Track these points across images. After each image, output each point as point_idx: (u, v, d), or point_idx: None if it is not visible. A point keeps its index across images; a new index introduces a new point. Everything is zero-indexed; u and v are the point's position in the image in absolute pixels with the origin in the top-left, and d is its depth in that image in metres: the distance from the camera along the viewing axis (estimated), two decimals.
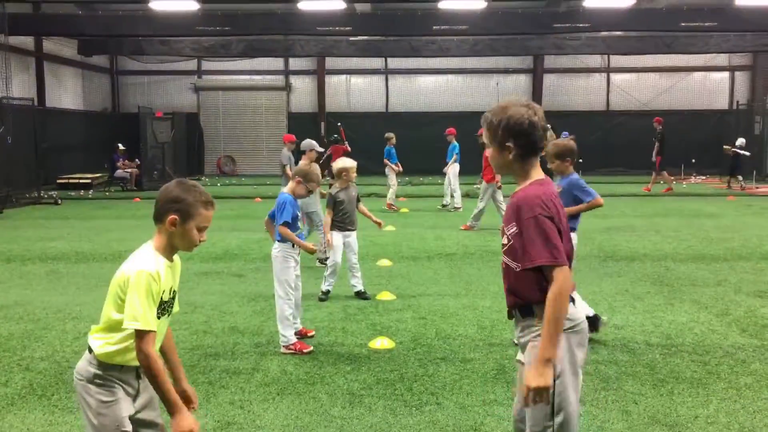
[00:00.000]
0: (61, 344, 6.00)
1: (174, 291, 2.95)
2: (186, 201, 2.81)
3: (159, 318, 2.85)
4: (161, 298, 2.81)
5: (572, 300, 2.80)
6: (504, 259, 2.86)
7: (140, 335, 2.68)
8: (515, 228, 2.75)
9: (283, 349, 5.71)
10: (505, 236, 2.84)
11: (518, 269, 2.76)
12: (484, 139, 2.88)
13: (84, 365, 2.84)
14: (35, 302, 7.51)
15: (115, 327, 2.77)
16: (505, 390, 4.85)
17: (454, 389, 4.90)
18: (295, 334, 5.99)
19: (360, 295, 7.63)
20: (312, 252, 6.07)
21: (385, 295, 7.64)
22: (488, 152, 2.87)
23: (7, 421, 4.40)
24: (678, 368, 5.29)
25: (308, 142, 9.58)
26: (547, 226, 2.65)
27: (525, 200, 2.72)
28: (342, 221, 7.49)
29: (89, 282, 8.56)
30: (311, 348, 5.74)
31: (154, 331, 2.71)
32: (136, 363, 2.81)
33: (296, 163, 9.79)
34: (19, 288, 8.29)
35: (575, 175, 6.01)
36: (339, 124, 18.61)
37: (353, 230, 7.59)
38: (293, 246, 5.84)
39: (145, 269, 2.74)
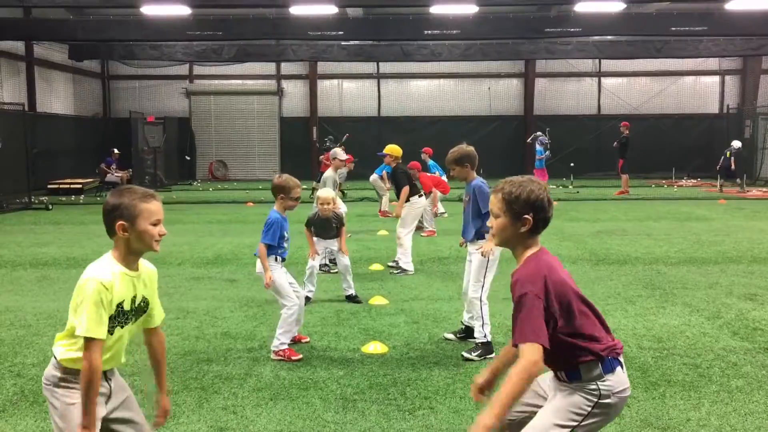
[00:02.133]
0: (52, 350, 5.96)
1: (143, 299, 2.93)
2: (123, 204, 2.81)
3: (122, 327, 2.85)
4: (121, 308, 2.81)
5: (620, 365, 2.81)
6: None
7: (86, 342, 2.69)
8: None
9: (272, 355, 5.70)
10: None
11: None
12: (492, 206, 2.89)
13: (50, 370, 2.87)
14: (26, 308, 7.47)
15: (75, 333, 2.79)
16: None
17: (447, 393, 4.91)
18: (292, 340, 6.02)
19: (351, 299, 7.63)
20: (267, 287, 5.81)
21: (378, 300, 7.64)
22: (495, 222, 2.88)
23: None
24: (670, 371, 5.32)
25: (334, 151, 9.93)
26: (533, 304, 2.65)
27: (519, 279, 2.75)
28: (320, 233, 7.65)
29: None
30: (300, 356, 5.70)
31: (101, 340, 2.71)
32: (105, 364, 2.83)
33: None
34: (9, 294, 8.25)
35: (478, 180, 5.91)
36: (347, 135, 19.29)
37: (333, 238, 7.66)
38: (276, 259, 5.80)
39: (96, 277, 2.74)
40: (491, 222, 2.92)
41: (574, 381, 2.79)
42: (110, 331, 2.80)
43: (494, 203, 2.88)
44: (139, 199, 2.82)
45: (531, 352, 2.59)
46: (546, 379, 2.99)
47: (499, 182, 2.92)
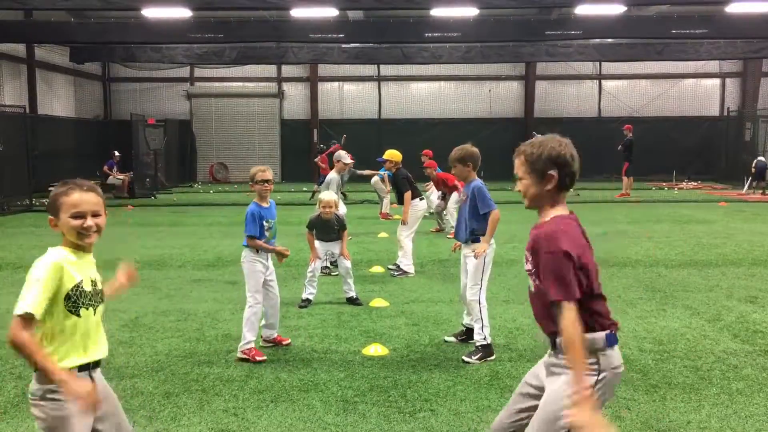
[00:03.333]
0: None
1: (101, 284, 2.94)
2: (51, 199, 2.85)
3: (88, 309, 2.82)
4: (81, 287, 2.79)
5: (613, 342, 2.78)
6: (532, 281, 2.88)
7: (20, 319, 2.63)
8: (532, 260, 2.82)
9: (238, 353, 5.71)
10: (528, 263, 2.88)
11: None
12: (517, 170, 2.91)
13: (33, 384, 2.79)
14: None
15: (40, 328, 2.76)
16: (499, 396, 4.85)
17: (447, 396, 4.91)
18: (271, 341, 6.06)
19: (352, 301, 7.64)
20: (284, 255, 5.91)
21: (379, 302, 7.65)
22: (521, 184, 2.89)
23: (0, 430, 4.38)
24: (670, 374, 5.32)
25: (338, 154, 10.02)
26: (562, 262, 2.67)
27: (545, 235, 2.75)
28: (321, 236, 7.73)
29: None
30: (265, 357, 5.69)
31: (32, 316, 2.65)
32: (75, 358, 2.79)
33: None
34: (11, 296, 8.20)
35: (478, 182, 5.91)
36: (344, 136, 19.49)
37: (335, 240, 7.71)
38: (257, 251, 5.80)
39: (45, 259, 2.75)
40: (518, 186, 2.91)
41: None
42: (76, 312, 2.77)
43: (518, 166, 2.89)
44: (62, 193, 2.82)
45: (565, 309, 2.63)
46: (536, 372, 2.95)
47: (520, 145, 2.94)
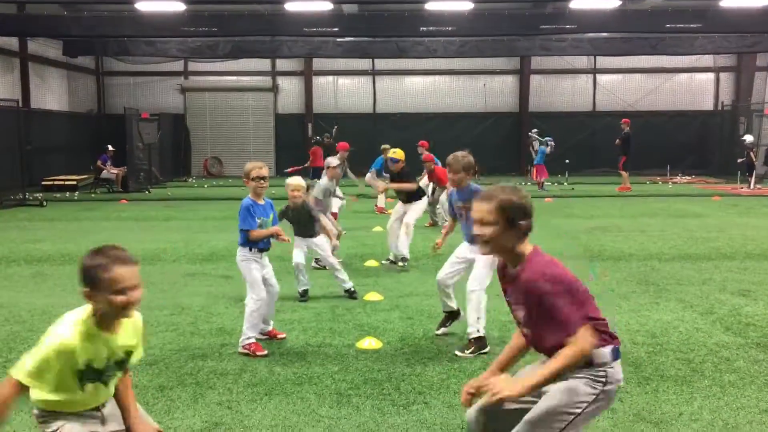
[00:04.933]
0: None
1: (124, 353, 2.81)
2: (91, 269, 2.64)
3: (94, 383, 2.74)
4: (90, 367, 2.69)
5: (618, 356, 2.87)
6: (524, 332, 3.04)
7: (11, 379, 2.59)
8: (528, 307, 2.89)
9: (239, 348, 5.71)
10: (520, 313, 2.98)
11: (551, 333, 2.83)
12: (484, 216, 2.90)
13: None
14: (20, 304, 7.47)
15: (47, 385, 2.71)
16: None
17: (441, 388, 4.92)
18: (266, 334, 6.07)
19: (349, 293, 7.61)
20: (281, 236, 5.90)
21: (373, 296, 7.65)
22: (489, 230, 2.89)
23: None
24: (663, 366, 5.34)
25: (328, 161, 10.13)
26: (562, 296, 2.76)
27: (534, 277, 2.79)
28: (298, 230, 7.63)
29: (74, 284, 8.43)
30: (266, 352, 5.69)
31: (25, 386, 2.62)
32: (84, 407, 2.76)
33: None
34: (4, 290, 8.24)
35: (475, 185, 5.94)
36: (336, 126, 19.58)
37: (312, 237, 7.63)
38: (251, 249, 5.81)
39: (60, 335, 2.64)
40: (480, 230, 2.89)
41: (583, 368, 2.82)
42: (81, 387, 2.71)
43: (486, 212, 2.86)
44: (101, 267, 2.62)
45: (585, 334, 2.71)
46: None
47: (487, 189, 2.96)
